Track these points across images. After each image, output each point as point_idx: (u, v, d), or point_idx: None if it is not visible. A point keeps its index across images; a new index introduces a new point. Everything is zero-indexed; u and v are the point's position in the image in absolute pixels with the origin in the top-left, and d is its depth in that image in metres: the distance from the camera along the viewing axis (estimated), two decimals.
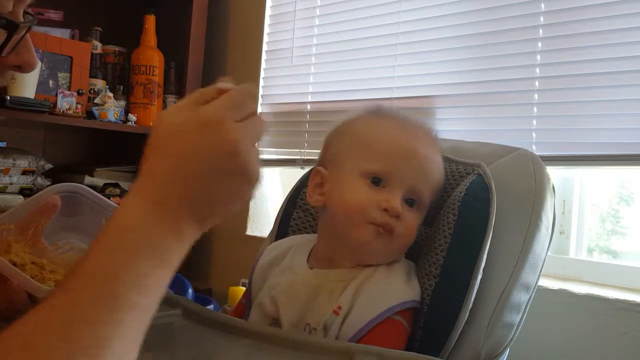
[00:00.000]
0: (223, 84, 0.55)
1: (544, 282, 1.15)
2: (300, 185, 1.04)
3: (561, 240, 1.29)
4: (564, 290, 1.13)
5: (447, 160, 0.93)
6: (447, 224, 0.83)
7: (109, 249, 0.46)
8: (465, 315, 0.77)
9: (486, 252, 0.79)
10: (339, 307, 0.78)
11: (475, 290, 0.78)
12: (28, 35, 0.66)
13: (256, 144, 0.54)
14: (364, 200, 0.79)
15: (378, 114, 0.88)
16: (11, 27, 0.62)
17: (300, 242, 0.91)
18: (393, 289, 0.79)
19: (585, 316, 1.10)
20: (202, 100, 0.54)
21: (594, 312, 1.09)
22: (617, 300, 1.07)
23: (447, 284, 0.79)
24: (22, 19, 0.65)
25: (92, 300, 0.42)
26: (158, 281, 0.47)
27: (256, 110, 0.55)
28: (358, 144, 0.84)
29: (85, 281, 0.43)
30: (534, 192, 0.85)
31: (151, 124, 0.49)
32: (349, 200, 0.80)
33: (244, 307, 0.92)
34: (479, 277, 0.78)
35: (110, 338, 0.41)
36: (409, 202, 0.81)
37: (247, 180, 0.53)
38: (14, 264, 0.67)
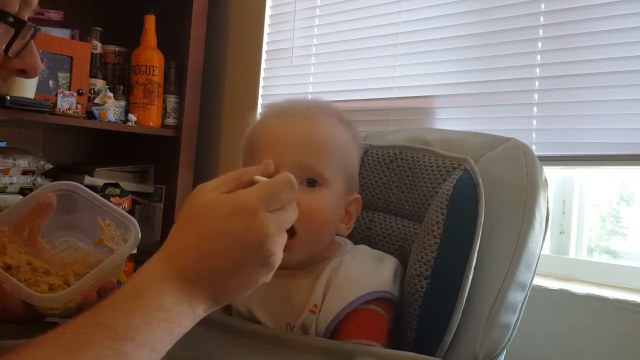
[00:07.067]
0: (259, 177, 0.58)
1: (544, 282, 1.15)
2: None
3: (561, 240, 1.29)
4: (564, 290, 1.13)
5: (432, 154, 0.91)
6: (436, 224, 0.81)
7: (126, 312, 0.48)
8: (458, 316, 0.77)
9: (477, 251, 0.78)
10: (315, 306, 0.78)
11: (467, 290, 0.77)
12: (32, 40, 0.66)
13: (284, 231, 0.56)
14: None
15: (268, 109, 0.89)
16: (18, 24, 0.63)
17: None
18: (360, 279, 0.79)
19: (585, 316, 1.09)
20: (241, 183, 0.56)
21: (594, 312, 1.08)
22: (617, 300, 1.07)
23: (439, 284, 0.79)
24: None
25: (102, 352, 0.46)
26: (161, 348, 0.50)
27: (292, 198, 0.57)
28: (244, 151, 0.86)
29: (101, 333, 0.46)
30: (526, 187, 0.83)
31: (186, 200, 0.52)
32: None
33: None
34: (471, 276, 0.78)
35: None
36: (310, 182, 0.78)
37: (265, 270, 0.55)
38: (9, 267, 0.66)
